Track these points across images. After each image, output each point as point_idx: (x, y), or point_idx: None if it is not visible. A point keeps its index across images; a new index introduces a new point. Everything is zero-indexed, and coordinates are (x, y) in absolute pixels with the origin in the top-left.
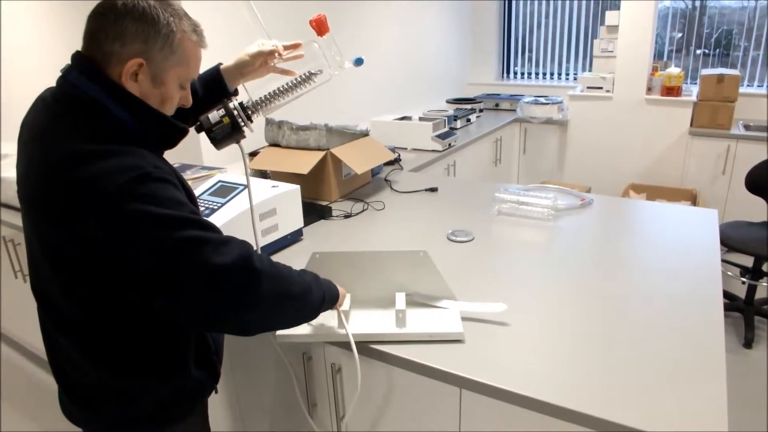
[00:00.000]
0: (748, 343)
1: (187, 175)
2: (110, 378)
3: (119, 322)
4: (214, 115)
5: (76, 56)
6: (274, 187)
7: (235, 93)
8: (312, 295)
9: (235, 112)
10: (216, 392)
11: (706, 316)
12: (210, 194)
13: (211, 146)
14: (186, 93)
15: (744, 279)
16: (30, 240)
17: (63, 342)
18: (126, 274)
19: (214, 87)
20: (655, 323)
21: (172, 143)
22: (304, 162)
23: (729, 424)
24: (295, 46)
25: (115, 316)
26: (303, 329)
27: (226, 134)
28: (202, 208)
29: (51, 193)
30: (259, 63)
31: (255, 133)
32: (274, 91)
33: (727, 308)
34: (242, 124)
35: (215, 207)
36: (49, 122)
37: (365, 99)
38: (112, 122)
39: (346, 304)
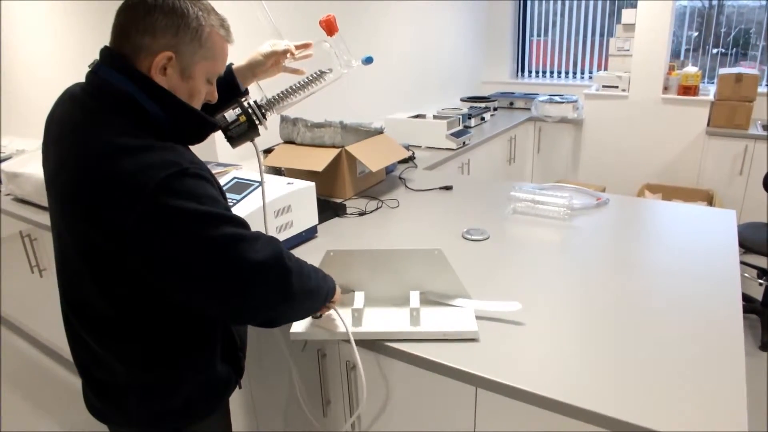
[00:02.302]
0: (764, 346)
1: None
2: (140, 374)
3: (152, 318)
4: (231, 114)
5: (105, 51)
6: (289, 184)
7: (247, 92)
8: (322, 290)
9: (250, 111)
10: (240, 387)
11: (725, 317)
12: (225, 190)
13: (226, 143)
14: (212, 88)
15: (761, 281)
16: (62, 238)
17: (92, 340)
18: (164, 270)
19: (226, 86)
20: (672, 324)
21: (202, 137)
22: (319, 159)
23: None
24: (306, 46)
25: (150, 313)
26: (316, 327)
27: (242, 133)
28: None
29: (89, 187)
30: (271, 63)
31: (270, 131)
32: (287, 89)
33: (744, 310)
34: (258, 122)
35: (231, 203)
36: (84, 117)
37: (380, 97)
38: (146, 116)
39: (359, 301)
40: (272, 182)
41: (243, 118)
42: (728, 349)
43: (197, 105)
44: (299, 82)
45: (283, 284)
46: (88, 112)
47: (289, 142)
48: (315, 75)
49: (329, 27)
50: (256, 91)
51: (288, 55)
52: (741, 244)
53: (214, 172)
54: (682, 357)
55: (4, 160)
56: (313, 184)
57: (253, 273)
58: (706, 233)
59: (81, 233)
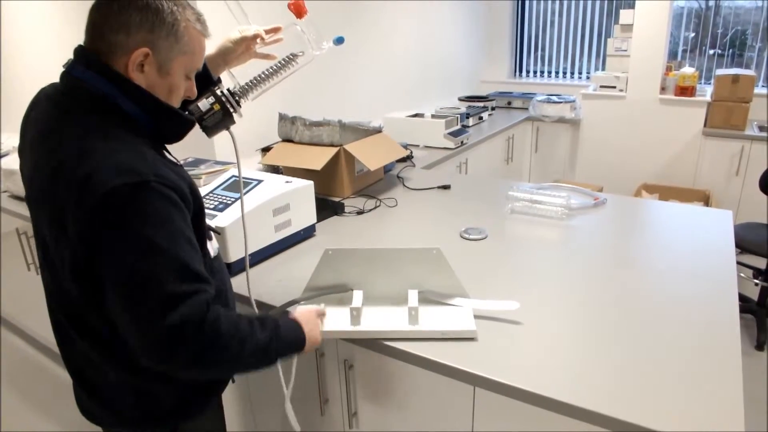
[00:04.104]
0: (760, 345)
1: (201, 170)
2: (129, 377)
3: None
4: (204, 104)
5: (79, 50)
6: (287, 182)
7: (220, 81)
8: (265, 355)
9: (224, 99)
10: (233, 381)
11: (722, 317)
12: (224, 189)
13: (226, 141)
14: (191, 84)
15: (757, 281)
16: (43, 241)
17: (79, 343)
18: (107, 279)
19: (198, 77)
20: (669, 323)
21: (181, 136)
22: (317, 158)
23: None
24: (276, 30)
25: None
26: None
27: (217, 121)
28: (215, 203)
29: (56, 190)
30: (241, 49)
31: (268, 129)
32: (259, 75)
33: (740, 310)
34: (233, 110)
35: (229, 202)
36: (58, 120)
37: (378, 96)
38: (122, 116)
39: (357, 300)
40: (271, 181)
41: (217, 107)
42: (725, 348)
43: (176, 102)
44: (272, 67)
45: (180, 347)
46: (63, 115)
47: (287, 140)
48: (287, 59)
49: (298, 9)
50: (229, 79)
51: (258, 40)
52: (737, 245)
53: (211, 170)
54: (679, 356)
55: (2, 156)
56: (311, 182)
57: (159, 330)
58: (703, 233)
59: (55, 237)
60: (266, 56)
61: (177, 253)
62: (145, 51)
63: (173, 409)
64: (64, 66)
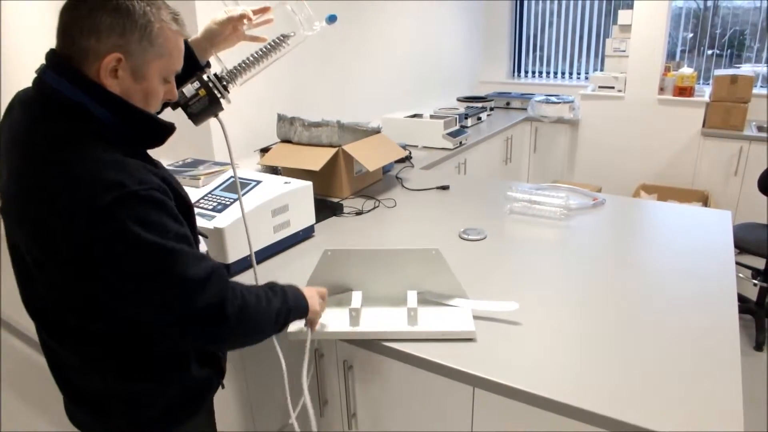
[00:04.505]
0: (758, 346)
1: (200, 171)
2: (115, 385)
3: (115, 330)
4: (189, 89)
5: (51, 55)
6: (286, 183)
7: (208, 66)
8: (278, 320)
9: (211, 84)
10: (223, 387)
11: (721, 317)
12: (222, 189)
13: (223, 141)
14: (170, 86)
15: (755, 281)
16: (16, 250)
17: (63, 353)
18: (110, 291)
19: (185, 62)
20: (667, 324)
21: (160, 141)
22: (316, 158)
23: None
24: (264, 10)
25: (111, 325)
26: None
27: (204, 108)
28: (214, 204)
29: (32, 207)
30: (228, 31)
31: (267, 129)
32: (248, 58)
33: (738, 310)
34: (220, 95)
35: (228, 203)
36: (29, 128)
37: (377, 96)
38: (96, 125)
39: (356, 301)
40: (269, 181)
41: (203, 92)
42: (724, 349)
43: (155, 106)
44: (261, 50)
45: (217, 332)
46: (35, 122)
47: (286, 141)
48: (277, 41)
49: None
50: (216, 64)
51: (245, 21)
52: (736, 245)
53: (209, 171)
54: (678, 357)
55: None
56: (310, 183)
57: (187, 317)
58: (702, 234)
59: (30, 249)
60: (255, 38)
61: (181, 248)
62: (117, 56)
63: (162, 416)
64: (36, 71)
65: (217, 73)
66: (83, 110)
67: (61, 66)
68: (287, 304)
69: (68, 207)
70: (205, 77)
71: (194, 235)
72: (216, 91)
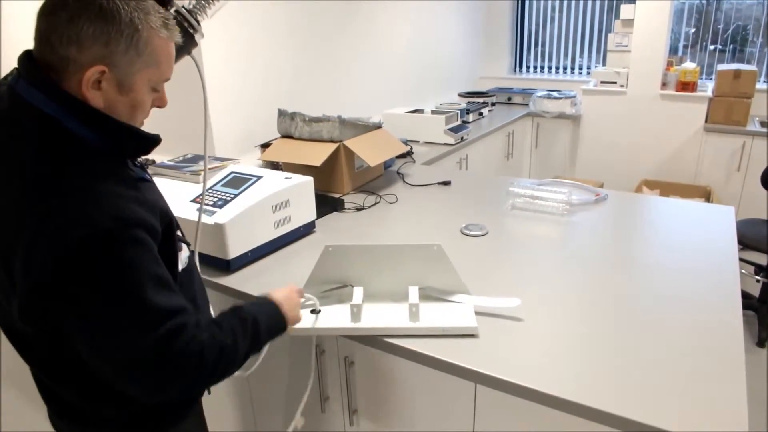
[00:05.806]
0: (761, 342)
1: (199, 166)
2: (94, 404)
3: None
4: None
5: (25, 60)
6: (287, 178)
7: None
8: (249, 354)
9: (180, 18)
10: (209, 393)
11: (725, 314)
12: (223, 185)
13: (225, 136)
14: (160, 94)
15: (758, 277)
16: None
17: (38, 372)
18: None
19: None
20: (670, 320)
21: (145, 153)
22: (317, 154)
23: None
24: None
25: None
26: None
27: (177, 47)
28: (215, 199)
29: (2, 235)
30: None
31: (268, 125)
32: None
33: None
34: (192, 30)
35: (228, 198)
36: (0, 150)
37: (378, 91)
38: (73, 146)
39: (358, 297)
40: (270, 177)
41: None
42: (728, 345)
43: (142, 117)
44: None
45: (186, 386)
46: (6, 139)
47: (286, 136)
48: None
49: None
50: None
51: None
52: (738, 241)
53: (210, 166)
54: (681, 352)
55: None
56: (311, 179)
57: (152, 377)
58: (704, 229)
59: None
60: None
61: (147, 297)
62: (100, 69)
63: (146, 422)
64: (6, 76)
65: (186, 6)
66: (59, 128)
67: (37, 78)
68: (258, 338)
69: (33, 241)
70: (173, 11)
71: (175, 245)
72: (187, 26)
